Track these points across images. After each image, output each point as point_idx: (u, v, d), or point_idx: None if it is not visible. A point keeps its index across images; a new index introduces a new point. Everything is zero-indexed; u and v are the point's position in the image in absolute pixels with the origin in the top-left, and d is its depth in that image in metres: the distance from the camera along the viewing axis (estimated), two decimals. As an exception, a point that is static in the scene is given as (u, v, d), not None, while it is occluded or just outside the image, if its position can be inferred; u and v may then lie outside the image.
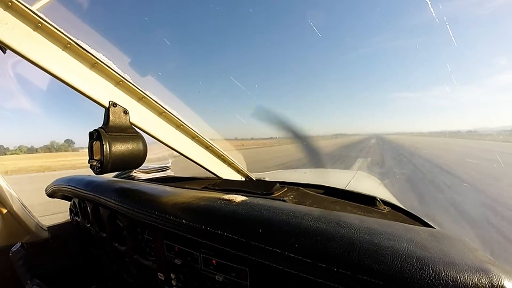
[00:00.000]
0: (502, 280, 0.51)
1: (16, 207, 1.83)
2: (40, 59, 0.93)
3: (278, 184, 1.49)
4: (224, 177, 1.73)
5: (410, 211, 1.17)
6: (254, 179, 1.84)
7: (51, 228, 2.08)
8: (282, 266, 0.73)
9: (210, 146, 1.57)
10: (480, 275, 0.52)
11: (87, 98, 1.08)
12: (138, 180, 2.14)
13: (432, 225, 1.02)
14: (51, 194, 2.14)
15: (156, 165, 2.42)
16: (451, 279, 0.52)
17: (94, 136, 1.09)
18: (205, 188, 1.57)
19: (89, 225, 1.81)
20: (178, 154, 1.47)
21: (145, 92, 1.22)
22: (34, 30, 0.91)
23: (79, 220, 1.95)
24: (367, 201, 1.25)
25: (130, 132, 1.16)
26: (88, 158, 1.14)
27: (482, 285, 0.51)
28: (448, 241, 0.69)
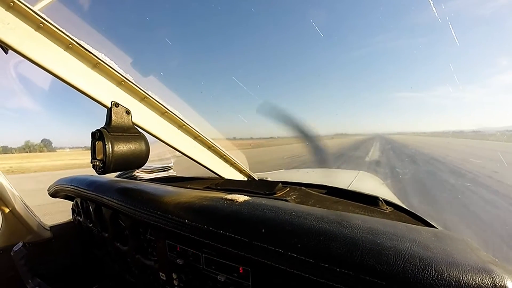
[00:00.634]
0: (505, 281, 0.51)
1: (18, 207, 1.84)
2: (42, 59, 0.93)
3: (280, 184, 1.49)
4: (226, 177, 1.73)
5: (412, 211, 1.17)
6: (257, 179, 1.84)
7: (53, 228, 2.08)
8: (284, 266, 0.73)
9: (213, 146, 1.57)
10: (482, 275, 0.52)
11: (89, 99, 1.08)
12: (140, 180, 2.15)
13: (435, 225, 1.02)
14: (54, 194, 2.15)
15: (158, 165, 2.42)
16: (454, 279, 0.52)
17: (97, 136, 1.09)
18: (208, 188, 1.57)
19: (91, 225, 1.82)
20: (180, 154, 1.47)
21: (147, 92, 1.23)
22: (36, 30, 0.91)
23: (81, 220, 1.96)
24: (369, 201, 1.25)
25: (132, 132, 1.16)
26: (90, 158, 1.14)
27: (485, 285, 0.51)
28: (451, 241, 0.69)
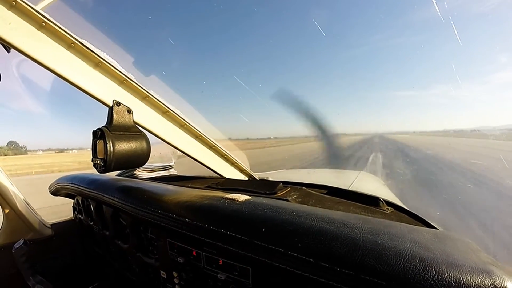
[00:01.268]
0: (505, 282, 0.51)
1: (19, 205, 1.84)
2: (44, 58, 0.93)
3: (281, 183, 1.49)
4: (227, 177, 1.73)
5: (413, 211, 1.17)
6: (257, 179, 1.84)
7: (54, 226, 2.09)
8: (285, 265, 0.73)
9: (214, 146, 1.57)
10: (483, 276, 0.52)
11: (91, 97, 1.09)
12: (141, 178, 2.15)
13: (435, 226, 1.02)
14: (55, 192, 2.15)
15: (159, 164, 2.42)
16: (454, 280, 0.52)
17: (98, 134, 1.09)
18: (208, 187, 1.57)
19: (92, 223, 1.82)
20: (182, 154, 1.47)
21: (148, 91, 1.23)
22: (38, 30, 0.91)
23: (82, 218, 1.96)
24: (370, 202, 1.25)
25: (133, 131, 1.16)
26: (91, 157, 1.14)
27: (485, 287, 0.51)
28: (451, 242, 0.69)
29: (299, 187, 1.53)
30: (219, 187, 1.54)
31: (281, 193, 1.38)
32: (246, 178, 1.85)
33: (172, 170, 2.47)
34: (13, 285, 1.86)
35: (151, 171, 2.33)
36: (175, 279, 1.19)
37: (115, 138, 1.07)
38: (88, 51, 1.02)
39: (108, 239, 1.67)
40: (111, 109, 1.11)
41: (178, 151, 1.45)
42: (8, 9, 0.84)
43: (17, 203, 1.83)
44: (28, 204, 1.93)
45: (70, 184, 1.86)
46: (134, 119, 1.18)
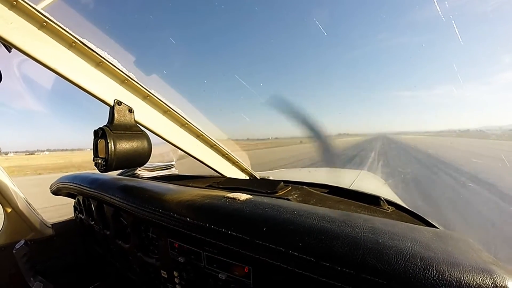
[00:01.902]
0: (506, 281, 0.51)
1: (20, 205, 1.85)
2: (45, 58, 0.93)
3: (282, 183, 1.49)
4: (228, 176, 1.73)
5: (414, 211, 1.17)
6: (258, 178, 1.84)
7: (55, 225, 2.09)
8: (285, 264, 0.73)
9: (215, 145, 1.57)
10: (484, 275, 0.52)
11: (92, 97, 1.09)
12: (142, 178, 2.15)
13: (436, 225, 1.02)
14: (56, 191, 2.16)
15: (161, 163, 2.42)
16: (455, 279, 0.52)
17: (99, 134, 1.09)
18: (210, 187, 1.57)
19: (93, 223, 1.82)
20: (184, 153, 1.47)
21: (150, 90, 1.23)
22: (39, 29, 0.92)
23: (83, 217, 1.96)
24: (371, 201, 1.25)
25: (135, 130, 1.17)
26: (92, 156, 1.14)
27: (486, 286, 0.51)
28: (452, 241, 0.69)
29: (300, 186, 1.53)
30: (220, 186, 1.54)
31: (282, 192, 1.38)
32: (247, 177, 1.85)
33: (173, 169, 2.47)
34: (14, 285, 1.86)
35: (152, 170, 2.33)
36: (175, 278, 1.20)
37: (116, 137, 1.07)
38: (89, 50, 1.02)
39: (109, 238, 1.67)
40: (112, 108, 1.12)
41: (179, 150, 1.45)
42: (9, 9, 0.84)
43: (18, 203, 1.83)
44: (29, 204, 1.94)
45: (71, 184, 1.87)
46: (135, 118, 1.18)
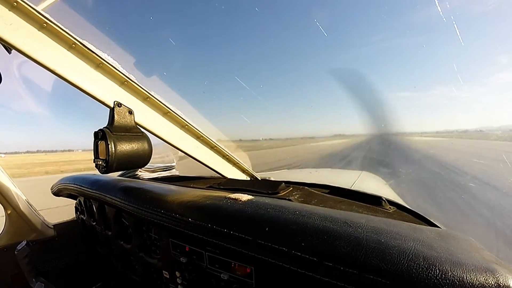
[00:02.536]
0: (509, 280, 0.51)
1: (22, 206, 1.85)
2: (45, 59, 0.93)
3: (283, 183, 1.49)
4: (229, 177, 1.73)
5: (415, 210, 1.17)
6: (259, 179, 1.84)
7: (57, 226, 2.10)
8: (288, 264, 0.73)
9: (215, 146, 1.57)
10: (486, 275, 0.52)
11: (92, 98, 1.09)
12: (143, 179, 2.15)
13: (438, 225, 1.02)
14: (57, 192, 2.16)
15: (161, 164, 2.42)
16: (458, 278, 0.52)
17: (99, 135, 1.09)
18: (211, 187, 1.57)
19: (94, 223, 1.82)
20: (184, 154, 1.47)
21: (150, 92, 1.23)
22: (39, 30, 0.91)
23: (84, 218, 1.96)
24: (372, 201, 1.25)
25: (135, 132, 1.17)
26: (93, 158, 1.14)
27: (489, 285, 0.50)
28: (455, 240, 0.69)
29: (301, 186, 1.53)
30: (221, 187, 1.54)
31: (284, 193, 1.38)
32: (248, 178, 1.85)
33: (173, 170, 2.47)
34: (16, 286, 1.86)
35: (153, 171, 2.33)
36: (177, 279, 1.20)
37: (116, 139, 1.07)
38: (89, 52, 1.02)
39: (110, 239, 1.67)
40: (112, 110, 1.12)
41: (179, 152, 1.45)
42: (9, 10, 0.84)
43: (19, 204, 1.83)
44: (30, 205, 1.94)
45: (72, 185, 1.87)
46: (136, 120, 1.18)
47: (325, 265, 0.66)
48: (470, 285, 0.51)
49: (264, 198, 1.12)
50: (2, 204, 1.79)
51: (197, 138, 1.49)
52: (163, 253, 1.27)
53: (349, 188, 1.49)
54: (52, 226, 2.08)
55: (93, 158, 1.14)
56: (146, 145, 1.18)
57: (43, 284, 1.81)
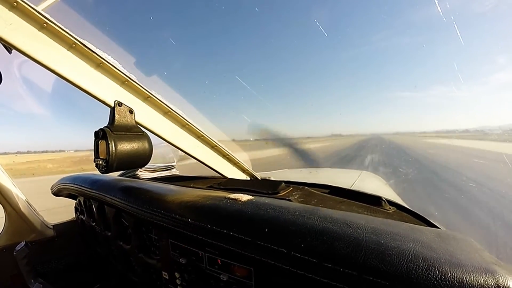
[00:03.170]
0: (508, 281, 0.51)
1: (21, 206, 1.85)
2: (46, 59, 0.93)
3: (283, 183, 1.49)
4: (229, 176, 1.73)
5: (415, 211, 1.17)
6: (259, 179, 1.84)
7: (56, 227, 2.10)
8: (287, 266, 0.73)
9: (216, 146, 1.57)
10: (486, 276, 0.52)
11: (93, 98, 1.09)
12: (143, 179, 2.15)
13: (438, 226, 1.02)
14: (57, 192, 2.16)
15: (162, 164, 2.42)
16: (457, 280, 0.52)
17: (100, 135, 1.09)
18: (211, 187, 1.57)
19: (94, 224, 1.82)
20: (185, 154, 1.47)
21: (150, 91, 1.23)
22: (39, 30, 0.91)
23: (84, 218, 1.96)
24: (372, 201, 1.25)
25: (135, 131, 1.16)
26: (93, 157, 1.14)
27: (488, 286, 0.50)
28: (454, 241, 0.69)
29: (301, 186, 1.53)
30: (221, 187, 1.54)
31: (284, 193, 1.38)
32: (248, 178, 1.85)
33: (174, 170, 2.47)
34: (15, 286, 1.86)
35: (153, 171, 2.33)
36: (177, 280, 1.19)
37: (117, 138, 1.07)
38: (90, 51, 1.02)
39: (110, 239, 1.67)
40: (113, 109, 1.12)
41: (180, 151, 1.45)
42: (9, 10, 0.84)
43: (19, 204, 1.83)
44: (30, 205, 1.94)
45: (72, 185, 1.87)
46: (136, 120, 1.18)
47: (325, 266, 0.66)
48: (469, 286, 0.51)
49: (264, 198, 1.12)
50: (1, 204, 1.79)
51: (198, 137, 1.49)
52: (163, 254, 1.27)
53: (349, 188, 1.49)
54: (51, 227, 2.07)
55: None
56: (146, 145, 1.18)
57: (41, 286, 1.81)
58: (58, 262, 2.08)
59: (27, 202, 1.91)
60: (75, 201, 2.13)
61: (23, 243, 1.79)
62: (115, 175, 2.08)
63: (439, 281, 0.53)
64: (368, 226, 0.75)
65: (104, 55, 1.07)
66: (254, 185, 1.53)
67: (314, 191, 1.45)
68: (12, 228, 1.88)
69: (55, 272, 2.05)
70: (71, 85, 1.02)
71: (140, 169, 2.24)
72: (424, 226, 0.94)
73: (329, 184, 1.55)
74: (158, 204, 1.15)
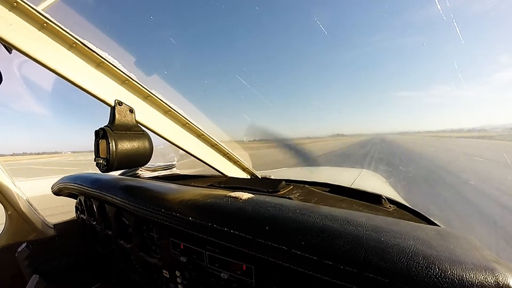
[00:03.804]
0: (508, 279, 0.51)
1: (22, 205, 1.85)
2: (46, 59, 0.94)
3: (283, 182, 1.49)
4: (229, 175, 1.73)
5: (415, 209, 1.17)
6: (260, 177, 1.84)
7: (57, 226, 2.10)
8: (288, 263, 0.73)
9: (216, 144, 1.57)
10: (486, 273, 0.52)
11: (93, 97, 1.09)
12: (144, 178, 2.15)
13: (438, 224, 1.02)
14: (57, 192, 2.16)
15: (162, 163, 2.43)
16: (457, 277, 0.52)
17: (100, 134, 1.09)
18: (211, 186, 1.57)
19: (95, 223, 1.82)
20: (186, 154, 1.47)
21: (150, 90, 1.23)
22: (39, 30, 0.92)
23: (85, 217, 1.96)
24: (372, 199, 1.25)
25: (136, 130, 1.17)
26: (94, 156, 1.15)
27: (488, 284, 0.50)
28: (454, 239, 0.69)
29: (301, 185, 1.53)
30: (222, 185, 1.54)
31: (284, 191, 1.38)
32: (249, 177, 1.85)
33: (174, 169, 2.47)
34: (16, 285, 1.87)
35: (154, 170, 2.33)
36: (178, 278, 1.20)
37: (117, 137, 1.08)
38: (90, 51, 1.03)
39: (111, 238, 1.67)
40: (113, 108, 1.12)
41: (180, 150, 1.46)
42: (9, 10, 0.85)
43: (19, 204, 1.83)
44: (30, 205, 1.94)
45: (72, 184, 1.87)
46: (136, 119, 1.19)
47: (325, 263, 0.66)
48: (469, 284, 0.51)
49: (264, 196, 1.12)
50: (2, 204, 1.80)
51: (198, 136, 1.49)
52: (163, 253, 1.27)
53: (350, 186, 1.49)
54: (52, 226, 2.07)
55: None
56: (147, 144, 1.18)
57: (42, 285, 1.81)
58: (59, 261, 2.08)
59: (27, 201, 1.91)
60: (76, 200, 2.13)
61: (24, 245, 1.80)
62: (115, 174, 2.08)
63: (439, 278, 0.53)
64: (368, 224, 0.75)
65: (104, 55, 1.07)
66: (254, 183, 1.54)
67: (315, 189, 1.46)
68: (13, 227, 1.88)
69: (56, 271, 2.05)
70: (72, 85, 1.03)
71: (140, 168, 2.25)
72: (424, 224, 0.94)
73: (330, 182, 1.55)
74: (159, 203, 1.15)
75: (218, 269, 1.03)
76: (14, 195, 1.80)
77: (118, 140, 1.07)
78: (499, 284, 0.50)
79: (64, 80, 1.01)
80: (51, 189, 2.20)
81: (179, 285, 1.21)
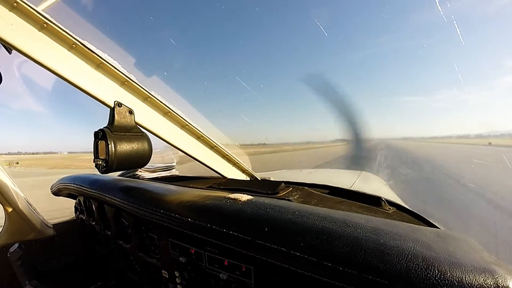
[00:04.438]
0: (507, 281, 0.51)
1: (21, 205, 1.85)
2: (46, 59, 0.93)
3: (283, 183, 1.49)
4: (229, 177, 1.73)
5: (415, 211, 1.17)
6: (259, 179, 1.84)
7: (56, 226, 2.10)
8: (287, 265, 0.74)
9: (215, 146, 1.57)
10: (485, 275, 0.52)
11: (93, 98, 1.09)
12: (143, 179, 2.15)
13: (437, 226, 1.02)
14: (56, 192, 2.16)
15: (161, 164, 2.43)
16: (457, 279, 0.52)
17: (99, 135, 1.09)
18: (210, 187, 1.57)
19: (94, 223, 1.82)
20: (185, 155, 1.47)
21: (150, 92, 1.23)
22: (39, 31, 0.92)
23: (84, 218, 1.96)
24: (372, 201, 1.25)
25: (135, 131, 1.17)
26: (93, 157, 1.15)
27: (487, 286, 0.50)
28: (454, 241, 0.69)
29: (300, 187, 1.53)
30: (221, 187, 1.54)
31: (283, 193, 1.38)
32: (248, 178, 1.85)
33: (173, 170, 2.47)
34: (16, 285, 1.86)
35: (153, 171, 2.33)
36: (177, 278, 1.20)
37: (116, 138, 1.07)
38: (90, 52, 1.02)
39: (110, 239, 1.67)
40: (112, 110, 1.12)
41: (180, 152, 1.45)
42: (9, 10, 0.84)
43: (18, 203, 1.83)
44: (30, 204, 1.94)
45: (72, 184, 1.87)
46: (136, 120, 1.18)
47: (324, 265, 0.66)
48: (468, 286, 0.51)
49: (263, 198, 1.12)
50: (1, 203, 1.79)
51: (198, 138, 1.49)
52: (162, 253, 1.27)
53: (349, 188, 1.49)
54: (51, 226, 2.07)
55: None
56: (146, 145, 1.18)
57: (40, 285, 1.81)
58: (58, 261, 2.08)
59: (26, 201, 1.91)
60: (75, 200, 2.13)
61: (16, 245, 1.79)
62: (115, 175, 2.08)
63: (438, 280, 0.53)
64: (368, 226, 0.75)
65: (104, 56, 1.07)
66: (253, 185, 1.54)
67: (314, 191, 1.46)
68: (12, 227, 1.88)
69: (55, 271, 2.04)
70: (71, 86, 1.03)
71: (140, 169, 2.24)
72: (423, 226, 0.94)
73: (329, 184, 1.55)
74: (158, 204, 1.15)
75: (217, 270, 1.03)
76: (13, 195, 1.80)
77: (117, 141, 1.07)
78: (498, 286, 0.50)
79: (63, 81, 1.01)
80: (51, 189, 2.20)
81: (178, 286, 1.21)
